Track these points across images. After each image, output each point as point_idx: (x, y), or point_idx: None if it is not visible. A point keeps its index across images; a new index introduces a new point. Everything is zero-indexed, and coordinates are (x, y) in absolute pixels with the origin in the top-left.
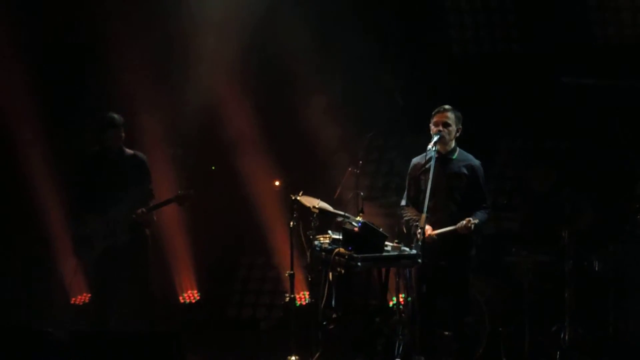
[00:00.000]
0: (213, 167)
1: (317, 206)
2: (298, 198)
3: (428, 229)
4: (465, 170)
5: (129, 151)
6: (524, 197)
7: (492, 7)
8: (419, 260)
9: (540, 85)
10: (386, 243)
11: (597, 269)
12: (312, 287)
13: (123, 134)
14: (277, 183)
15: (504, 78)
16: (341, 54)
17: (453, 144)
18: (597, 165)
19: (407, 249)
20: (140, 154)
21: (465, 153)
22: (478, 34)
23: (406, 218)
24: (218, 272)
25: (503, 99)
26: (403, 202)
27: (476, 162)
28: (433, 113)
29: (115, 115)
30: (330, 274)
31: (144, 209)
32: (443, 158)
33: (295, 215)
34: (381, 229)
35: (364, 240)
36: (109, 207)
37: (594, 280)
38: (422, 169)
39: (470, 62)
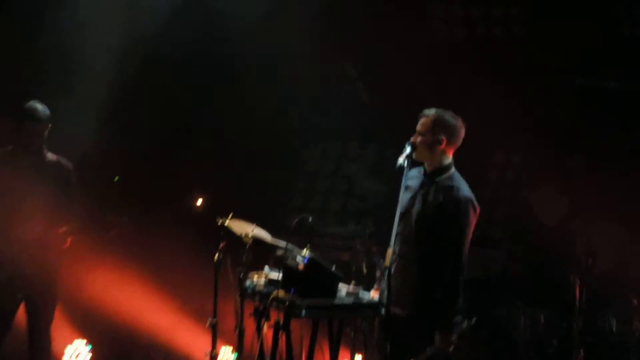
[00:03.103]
0: (117, 178)
1: (250, 234)
2: (227, 223)
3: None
4: (442, 199)
5: (52, 156)
6: (522, 231)
7: None
8: (382, 312)
9: (548, 85)
10: (340, 286)
11: (614, 329)
12: (241, 341)
13: (47, 133)
14: (199, 202)
15: (501, 72)
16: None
17: (441, 160)
18: (624, 189)
19: (367, 295)
20: (65, 160)
21: (458, 179)
22: (469, 13)
23: None
24: (117, 317)
25: (500, 100)
26: None
27: (461, 195)
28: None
29: (39, 106)
30: (265, 325)
31: (66, 229)
32: (427, 177)
33: (222, 245)
34: (334, 268)
35: (311, 282)
36: (17, 225)
37: (610, 343)
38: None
39: (459, 49)
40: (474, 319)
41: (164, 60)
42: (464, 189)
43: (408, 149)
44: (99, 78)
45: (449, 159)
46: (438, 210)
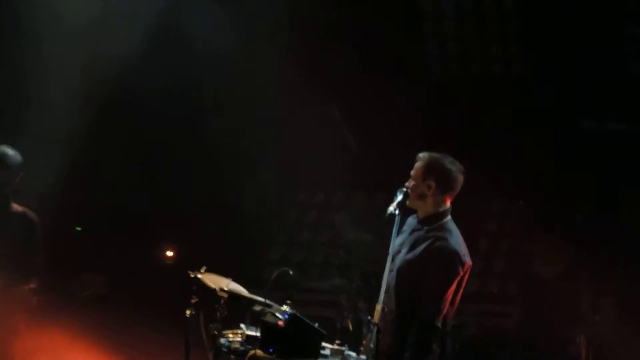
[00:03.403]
0: (78, 228)
1: (226, 289)
2: (199, 276)
3: None
4: (425, 250)
5: (17, 207)
6: (523, 285)
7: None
8: None
9: (550, 129)
10: (324, 345)
11: None
12: None
13: (17, 181)
14: (169, 254)
15: (500, 116)
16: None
17: (433, 208)
18: (629, 242)
19: (353, 354)
20: (31, 213)
21: (449, 230)
22: (466, 51)
23: None
24: None
25: (498, 146)
26: None
27: (448, 246)
28: None
29: (9, 151)
30: None
31: (33, 286)
32: (418, 224)
33: (193, 300)
34: (317, 325)
35: (292, 340)
36: None
37: None
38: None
39: (450, 89)
40: None
41: (132, 103)
42: (453, 241)
43: (400, 196)
44: (60, 121)
45: (444, 206)
46: (421, 259)
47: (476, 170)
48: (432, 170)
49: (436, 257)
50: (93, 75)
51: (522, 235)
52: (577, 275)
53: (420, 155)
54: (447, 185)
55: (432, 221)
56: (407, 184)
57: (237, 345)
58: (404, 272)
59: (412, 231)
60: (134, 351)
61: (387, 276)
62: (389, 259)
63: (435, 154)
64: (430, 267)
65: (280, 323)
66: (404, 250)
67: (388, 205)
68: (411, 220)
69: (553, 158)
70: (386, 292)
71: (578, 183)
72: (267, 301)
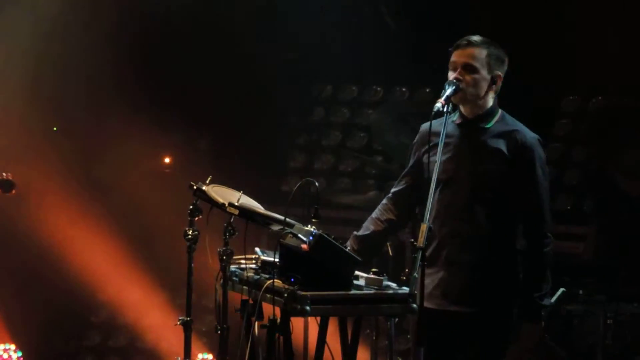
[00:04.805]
0: (55, 129)
1: (236, 204)
2: (204, 188)
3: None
4: (504, 148)
5: None
6: (602, 201)
7: None
8: (414, 305)
9: None
10: (357, 273)
11: None
12: (223, 347)
13: None
14: (166, 160)
15: None
16: None
17: (490, 102)
18: None
19: (393, 284)
20: None
21: (512, 120)
22: None
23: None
24: (58, 316)
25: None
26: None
27: (529, 137)
28: (451, 49)
29: None
30: (257, 325)
31: None
32: (470, 126)
33: (196, 217)
34: (349, 249)
35: (318, 268)
36: None
37: None
38: (434, 143)
39: None
40: (562, 291)
41: None
42: (527, 130)
43: (449, 90)
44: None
45: (493, 100)
46: (501, 165)
47: (544, 57)
48: (498, 59)
49: (533, 150)
50: None
51: (601, 141)
52: None
53: (474, 38)
54: (503, 75)
55: (487, 118)
56: (458, 75)
57: (251, 274)
58: (483, 187)
59: (465, 136)
60: (118, 279)
61: (441, 194)
62: (437, 171)
63: (488, 39)
64: (532, 160)
65: (304, 246)
66: (471, 164)
67: (434, 101)
68: (449, 127)
69: None
70: (450, 215)
71: None
72: (288, 219)
